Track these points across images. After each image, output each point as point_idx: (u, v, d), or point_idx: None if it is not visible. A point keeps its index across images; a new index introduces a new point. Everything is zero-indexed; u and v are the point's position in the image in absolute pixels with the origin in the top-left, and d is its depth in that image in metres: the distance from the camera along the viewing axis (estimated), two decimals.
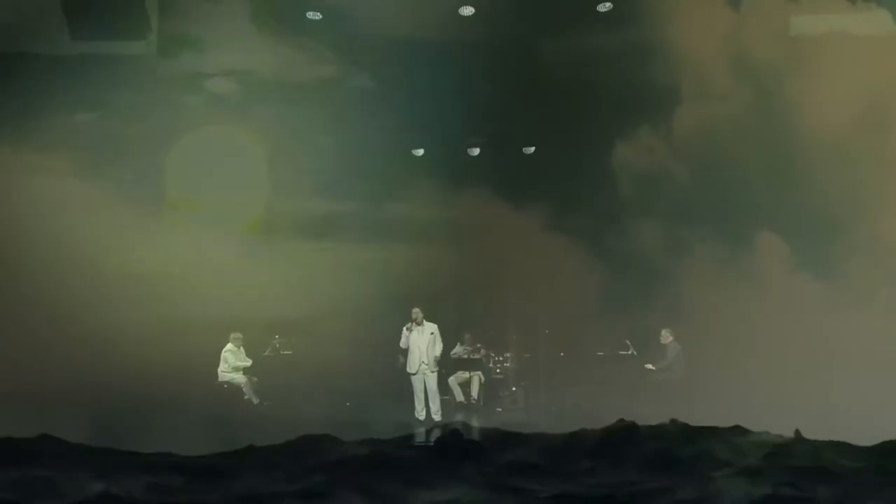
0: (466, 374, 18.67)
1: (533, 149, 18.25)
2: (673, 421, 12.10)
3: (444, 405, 17.97)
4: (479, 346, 18.91)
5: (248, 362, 18.18)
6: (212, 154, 17.11)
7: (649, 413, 14.14)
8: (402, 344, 17.30)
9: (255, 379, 18.15)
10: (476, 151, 18.51)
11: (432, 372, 17.53)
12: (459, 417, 17.03)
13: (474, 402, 18.56)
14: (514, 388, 19.08)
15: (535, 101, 17.35)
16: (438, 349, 17.53)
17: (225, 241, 16.89)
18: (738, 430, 11.90)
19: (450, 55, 17.41)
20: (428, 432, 14.89)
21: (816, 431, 11.61)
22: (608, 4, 17.59)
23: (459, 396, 18.48)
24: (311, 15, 17.41)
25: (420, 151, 18.26)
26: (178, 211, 17.20)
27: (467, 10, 17.68)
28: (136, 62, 16.94)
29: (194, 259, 16.64)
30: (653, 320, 17.12)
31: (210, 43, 17.24)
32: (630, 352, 18.34)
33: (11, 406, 14.32)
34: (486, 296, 18.36)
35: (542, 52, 17.34)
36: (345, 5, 17.19)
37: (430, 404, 17.42)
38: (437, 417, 17.30)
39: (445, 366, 18.16)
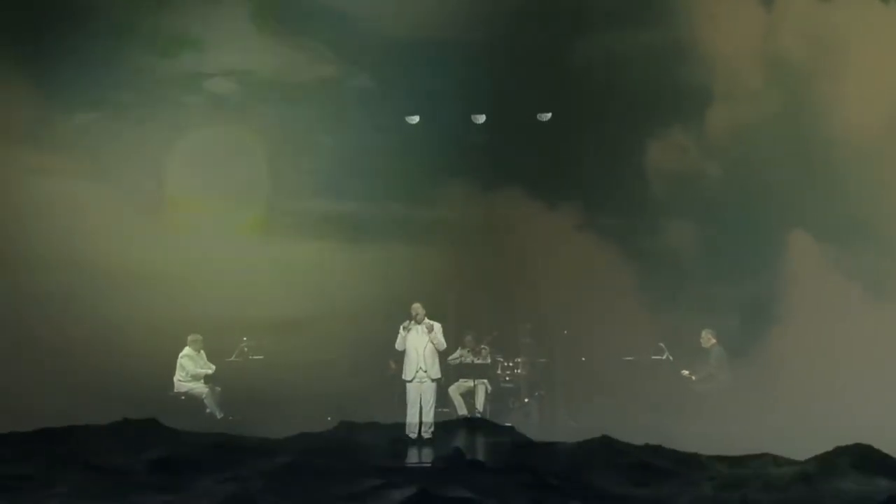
0: (470, 383, 16.58)
1: (549, 115, 17.65)
2: None
3: (444, 419, 15.66)
4: (482, 348, 16.89)
5: (211, 369, 16.33)
6: (212, 154, 17.09)
7: (690, 430, 13.85)
8: (398, 346, 15.07)
9: (218, 389, 16.28)
10: (482, 119, 17.79)
11: (432, 380, 15.04)
12: (461, 433, 14.89)
13: (479, 415, 16.24)
14: (526, 400, 16.96)
15: (567, 101, 17.22)
16: (440, 339, 15.05)
17: (225, 241, 16.88)
18: None
19: (472, 56, 17.24)
20: (420, 450, 13.87)
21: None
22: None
23: (462, 409, 16.45)
24: None
25: (415, 119, 17.67)
26: (179, 211, 17.10)
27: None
28: (137, 62, 16.92)
29: (194, 259, 16.63)
30: (686, 322, 16.49)
31: (210, 43, 17.18)
32: (665, 356, 16.68)
33: (12, 405, 14.41)
34: (499, 294, 17.32)
35: (574, 53, 17.30)
36: (345, 5, 17.18)
37: (424, 419, 14.91)
38: (427, 436, 14.90)
39: (445, 373, 15.84)
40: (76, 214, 16.46)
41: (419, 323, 15.03)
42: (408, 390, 15.08)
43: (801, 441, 12.32)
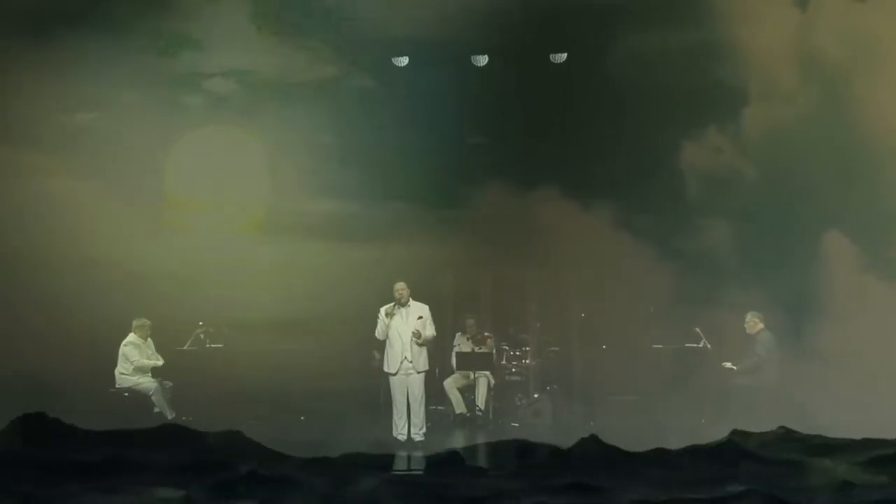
0: (470, 376, 14.87)
1: (565, 56, 17.41)
2: None
3: (439, 418, 14.57)
4: (487, 335, 15.26)
5: (159, 361, 14.64)
6: (212, 154, 17.08)
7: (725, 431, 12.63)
8: (379, 334, 13.51)
9: (168, 383, 14.54)
10: (483, 60, 17.35)
11: (418, 373, 13.47)
12: (459, 435, 13.98)
13: (480, 413, 14.80)
14: (536, 395, 15.33)
15: (603, 101, 17.10)
16: (429, 331, 13.55)
17: (225, 240, 16.87)
18: None
19: (492, 56, 17.30)
20: (409, 454, 12.36)
21: None
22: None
23: (460, 406, 14.81)
24: None
25: (404, 60, 17.40)
26: (178, 211, 17.09)
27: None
28: (137, 62, 16.90)
29: (194, 259, 16.60)
30: (721, 320, 15.78)
31: (210, 43, 17.20)
32: (702, 344, 15.19)
33: (12, 405, 14.38)
34: (508, 279, 16.25)
35: (609, 53, 17.25)
36: (345, 5, 17.16)
37: (413, 418, 13.36)
38: (418, 438, 13.44)
39: (441, 364, 14.62)
40: (76, 214, 16.44)
41: (403, 305, 13.51)
42: (392, 385, 13.57)
43: None
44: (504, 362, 15.70)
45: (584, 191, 17.10)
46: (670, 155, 17.26)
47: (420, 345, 13.61)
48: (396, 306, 13.53)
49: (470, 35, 17.11)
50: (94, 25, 16.53)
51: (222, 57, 17.30)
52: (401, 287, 13.64)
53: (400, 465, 11.75)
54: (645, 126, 16.98)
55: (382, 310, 13.61)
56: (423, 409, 13.64)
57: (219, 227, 16.93)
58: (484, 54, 17.39)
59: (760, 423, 12.67)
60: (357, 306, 15.72)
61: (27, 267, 16.10)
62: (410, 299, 13.63)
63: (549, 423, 15.07)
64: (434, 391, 14.59)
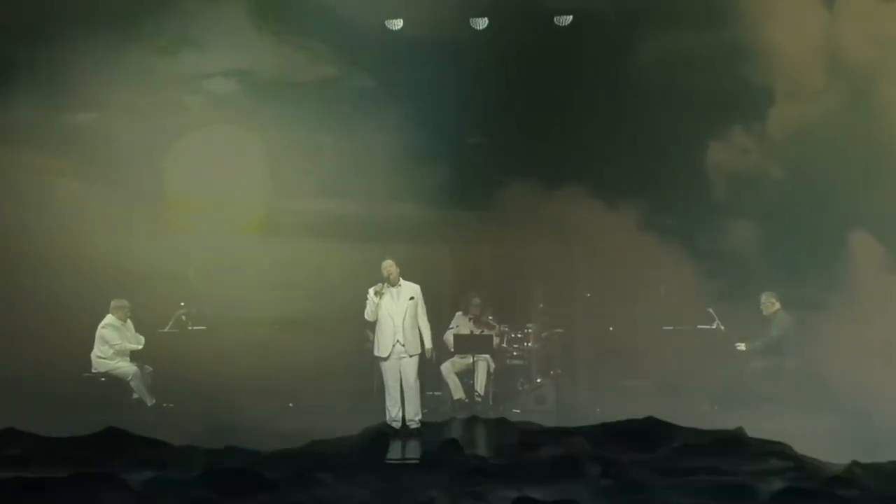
0: (469, 359, 14.32)
1: (571, 18, 17.20)
2: None
3: (436, 404, 14.04)
4: (490, 319, 14.67)
5: (140, 344, 14.26)
6: (212, 154, 17.06)
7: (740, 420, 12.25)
8: (369, 315, 12.87)
9: (148, 368, 14.13)
10: (484, 23, 17.10)
11: (411, 356, 12.65)
12: (457, 422, 12.68)
13: (480, 399, 14.24)
14: (539, 380, 14.77)
15: (628, 101, 16.97)
16: (422, 321, 12.86)
17: (225, 240, 16.82)
18: None
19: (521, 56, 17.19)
20: (404, 443, 12.07)
21: None
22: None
23: (458, 392, 14.28)
24: None
25: (398, 23, 17.19)
26: (178, 211, 17.07)
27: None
28: (136, 62, 17.02)
29: (194, 259, 16.62)
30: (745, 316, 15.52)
31: (210, 43, 17.23)
32: (715, 325, 14.75)
33: (12, 404, 14.33)
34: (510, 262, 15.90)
35: (635, 53, 17.20)
36: (345, 5, 17.18)
37: (407, 405, 12.55)
38: (414, 425, 12.70)
39: (438, 347, 13.69)
40: (76, 214, 16.46)
41: (393, 285, 12.81)
42: (383, 370, 12.88)
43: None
44: (505, 345, 15.03)
45: (608, 190, 16.91)
46: (696, 155, 17.16)
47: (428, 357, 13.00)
48: (386, 285, 12.86)
49: (471, 34, 17.11)
50: (94, 25, 16.67)
51: (222, 57, 17.34)
52: (388, 264, 12.91)
53: (395, 454, 11.49)
54: (671, 126, 16.87)
55: (371, 289, 12.98)
56: (417, 394, 12.90)
57: (219, 227, 16.87)
58: (485, 50, 17.22)
59: (776, 409, 12.57)
60: (357, 306, 15.54)
61: (27, 267, 16.12)
62: (401, 279, 12.94)
63: (553, 409, 14.42)
64: (433, 377, 14.02)
